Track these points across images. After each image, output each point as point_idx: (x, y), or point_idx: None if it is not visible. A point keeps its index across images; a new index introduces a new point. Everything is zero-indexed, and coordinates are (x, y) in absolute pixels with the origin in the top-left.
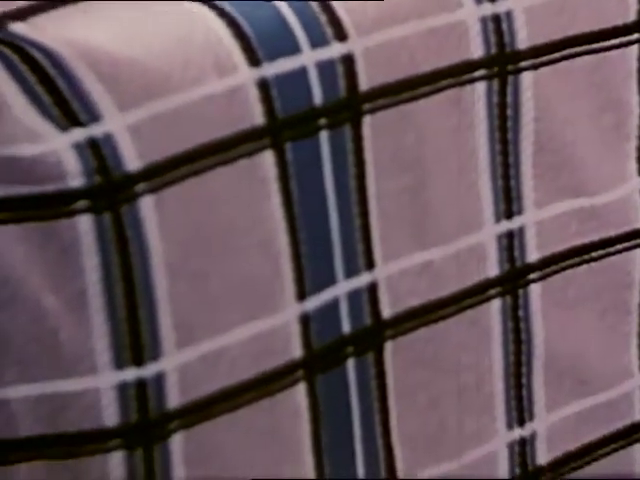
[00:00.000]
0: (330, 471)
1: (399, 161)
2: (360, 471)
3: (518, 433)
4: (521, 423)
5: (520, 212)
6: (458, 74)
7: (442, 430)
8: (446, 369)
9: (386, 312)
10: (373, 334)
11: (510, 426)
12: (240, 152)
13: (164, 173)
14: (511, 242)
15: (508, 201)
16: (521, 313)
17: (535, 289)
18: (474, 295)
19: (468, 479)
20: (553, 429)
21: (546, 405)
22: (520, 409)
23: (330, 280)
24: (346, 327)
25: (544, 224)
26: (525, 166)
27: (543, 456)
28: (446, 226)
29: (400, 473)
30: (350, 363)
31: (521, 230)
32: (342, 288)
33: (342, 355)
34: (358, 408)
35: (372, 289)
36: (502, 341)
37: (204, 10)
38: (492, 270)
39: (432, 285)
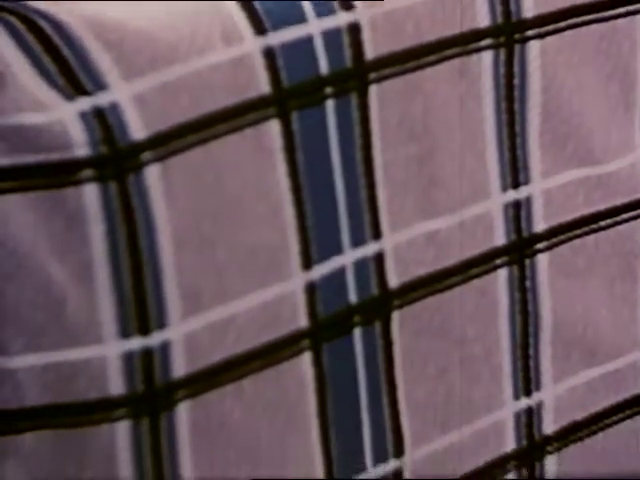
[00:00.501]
0: (336, 441)
1: (405, 130)
2: (367, 441)
3: (525, 403)
4: (528, 393)
5: (527, 182)
6: (464, 43)
7: (449, 400)
8: (453, 339)
9: (393, 282)
10: (380, 304)
11: (517, 396)
12: (246, 121)
13: (170, 142)
14: (518, 212)
15: (515, 171)
16: (528, 283)
17: (542, 259)
18: (481, 265)
19: (474, 449)
20: (560, 399)
21: (553, 375)
22: (527, 379)
23: (337, 249)
24: (353, 297)
25: (551, 194)
26: (532, 136)
27: (550, 426)
28: (453, 196)
29: (407, 443)
30: (357, 333)
31: (528, 200)
32: (349, 257)
33: (349, 325)
34: (365, 378)
35: (379, 259)
36: (509, 311)
37: None
38: (499, 240)
39: (439, 255)
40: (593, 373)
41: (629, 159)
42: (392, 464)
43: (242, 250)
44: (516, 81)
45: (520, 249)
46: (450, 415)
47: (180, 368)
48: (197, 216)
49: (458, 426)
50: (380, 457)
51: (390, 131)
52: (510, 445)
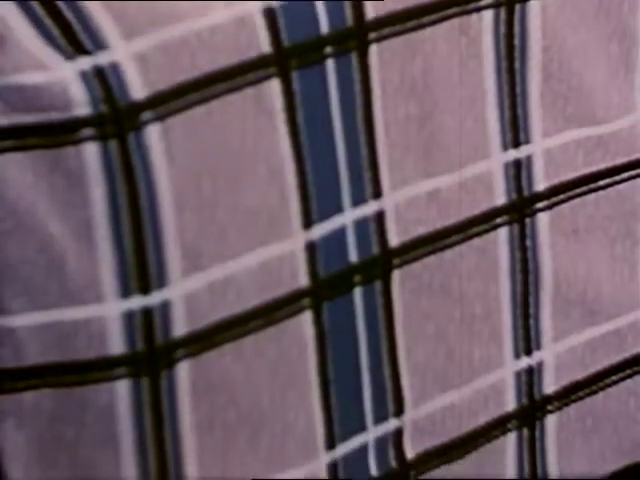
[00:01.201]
0: (336, 400)
1: (406, 90)
2: (367, 401)
3: (525, 362)
4: (528, 352)
5: (527, 141)
6: (464, 2)
7: (449, 359)
8: (453, 298)
9: (393, 241)
10: (380, 263)
11: (517, 355)
12: (246, 81)
13: (170, 101)
14: (518, 171)
15: (515, 130)
16: (528, 242)
17: (543, 218)
18: (481, 224)
19: (474, 409)
20: (561, 358)
21: (554, 334)
22: (528, 338)
23: (337, 209)
24: (353, 256)
25: (551, 153)
26: (532, 95)
27: (550, 385)
28: (453, 155)
29: (407, 402)
30: (357, 292)
31: (528, 159)
32: (349, 217)
33: (349, 284)
34: (365, 337)
35: (379, 218)
36: (510, 270)
37: None
38: (499, 199)
39: (439, 214)
40: (593, 332)
41: (629, 120)
42: (392, 423)
43: (242, 210)
44: (516, 41)
45: (520, 208)
46: (450, 374)
47: (180, 327)
48: (197, 175)
49: (458, 385)
50: (380, 416)
51: (390, 90)
52: (510, 404)
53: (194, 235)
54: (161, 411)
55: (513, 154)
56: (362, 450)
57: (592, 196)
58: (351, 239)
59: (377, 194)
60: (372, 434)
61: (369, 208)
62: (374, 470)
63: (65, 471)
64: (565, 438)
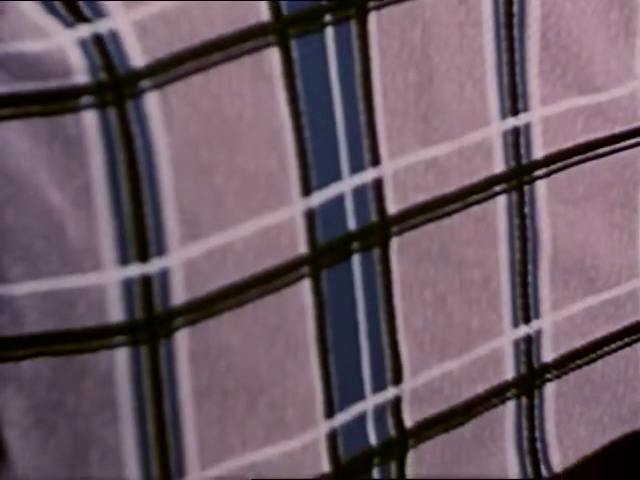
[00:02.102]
0: (335, 368)
1: (405, 57)
2: (365, 369)
3: (524, 330)
4: (527, 321)
5: (526, 109)
6: None
7: (448, 327)
8: (452, 265)
9: (392, 208)
10: (379, 230)
11: (516, 324)
12: (245, 49)
13: (169, 69)
14: (517, 139)
15: (514, 98)
16: (527, 210)
17: (541, 186)
18: (480, 191)
19: (473, 377)
20: (559, 327)
21: (552, 303)
22: (526, 307)
23: (336, 176)
24: (351, 223)
25: (550, 121)
26: (532, 63)
27: (549, 353)
28: (452, 123)
29: (406, 370)
30: (355, 259)
31: (527, 127)
32: (348, 184)
33: (347, 251)
34: (364, 305)
35: (377, 185)
36: (508, 238)
37: None
38: (498, 167)
39: (438, 181)
40: (592, 301)
41: (629, 87)
42: (391, 391)
43: (241, 177)
44: (515, 8)
45: (519, 176)
46: (449, 342)
47: (179, 295)
48: (196, 143)
49: (457, 354)
50: (379, 384)
51: (389, 58)
52: (509, 373)
53: (192, 202)
54: (160, 379)
55: (512, 122)
56: (361, 419)
57: (591, 164)
58: (350, 207)
59: (375, 162)
60: (371, 402)
61: (368, 176)
62: (373, 439)
63: (64, 437)
64: (564, 406)
